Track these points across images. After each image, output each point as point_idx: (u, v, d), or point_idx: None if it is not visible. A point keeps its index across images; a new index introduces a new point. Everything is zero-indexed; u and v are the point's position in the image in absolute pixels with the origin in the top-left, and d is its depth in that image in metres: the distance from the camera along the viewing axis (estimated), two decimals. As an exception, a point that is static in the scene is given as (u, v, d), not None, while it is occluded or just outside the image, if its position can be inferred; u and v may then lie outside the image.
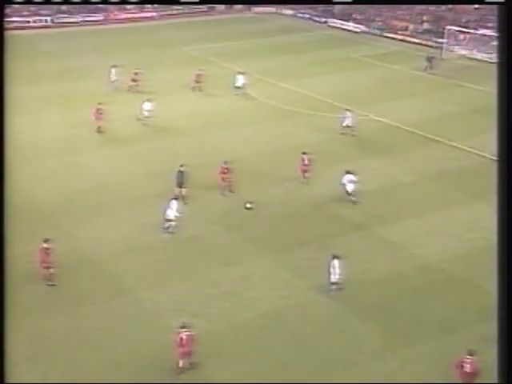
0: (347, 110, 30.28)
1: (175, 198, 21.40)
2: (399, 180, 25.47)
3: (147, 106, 31.07)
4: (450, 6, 55.52)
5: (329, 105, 34.95)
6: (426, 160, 27.46)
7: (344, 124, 29.78)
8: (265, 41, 53.06)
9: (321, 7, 64.79)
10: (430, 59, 42.76)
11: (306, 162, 24.82)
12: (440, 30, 50.78)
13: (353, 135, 29.67)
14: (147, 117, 31.01)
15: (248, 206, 22.56)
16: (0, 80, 9.64)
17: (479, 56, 45.20)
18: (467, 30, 48.07)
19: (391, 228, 21.49)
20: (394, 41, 52.68)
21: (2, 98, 9.48)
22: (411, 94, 37.09)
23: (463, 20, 52.22)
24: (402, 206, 23.24)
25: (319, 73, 41.64)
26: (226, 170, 23.58)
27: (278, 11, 67.55)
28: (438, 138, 29.74)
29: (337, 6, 63.61)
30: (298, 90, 37.60)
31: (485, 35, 46.66)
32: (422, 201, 23.68)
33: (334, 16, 61.66)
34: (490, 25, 49.80)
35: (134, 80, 37.49)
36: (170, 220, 20.98)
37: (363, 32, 56.70)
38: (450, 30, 47.58)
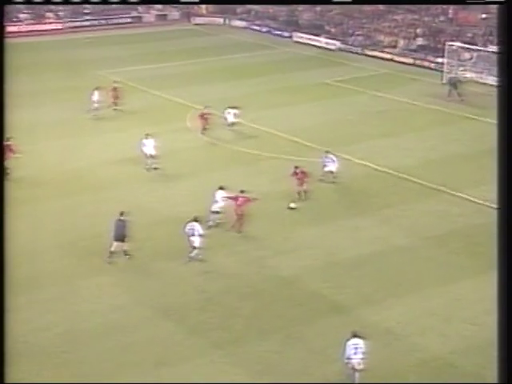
0: (327, 152, 31.03)
1: (196, 220, 24.01)
2: (391, 243, 25.98)
3: (148, 143, 32.19)
4: (450, 16, 58.19)
5: (297, 145, 35.77)
6: (426, 216, 28.15)
7: (326, 169, 30.65)
8: (210, 61, 54.33)
9: (283, 17, 66.96)
10: (454, 83, 44.15)
11: (300, 175, 28.94)
12: (439, 46, 53.09)
13: (334, 182, 30.55)
14: (154, 156, 32.00)
15: (292, 205, 27.26)
16: (0, 80, 13.01)
17: (490, 80, 47.27)
18: (474, 47, 50.43)
19: (383, 309, 21.76)
20: (379, 60, 54.65)
21: (2, 97, 12.85)
22: (404, 130, 38.32)
23: (468, 34, 54.72)
24: (396, 278, 23.62)
25: (283, 103, 42.70)
26: (242, 201, 26.03)
27: (228, 22, 69.48)
28: (440, 187, 30.69)
29: (304, 16, 65.96)
30: (255, 125, 38.35)
31: (496, 53, 49.05)
32: (422, 271, 24.12)
33: (300, 29, 63.79)
34: (502, 40, 52.47)
35: (115, 97, 38.81)
36: (195, 247, 24.04)
37: (339, 49, 58.70)
38: (451, 46, 49.78)
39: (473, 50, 50.17)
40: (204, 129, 36.57)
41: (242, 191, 26.23)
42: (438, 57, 51.69)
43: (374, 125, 39.24)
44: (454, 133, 37.93)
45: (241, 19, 69.24)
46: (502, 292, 12.52)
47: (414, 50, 55.54)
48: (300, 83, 47.63)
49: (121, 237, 23.93)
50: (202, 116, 36.80)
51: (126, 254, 24.31)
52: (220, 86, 46.69)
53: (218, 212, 26.45)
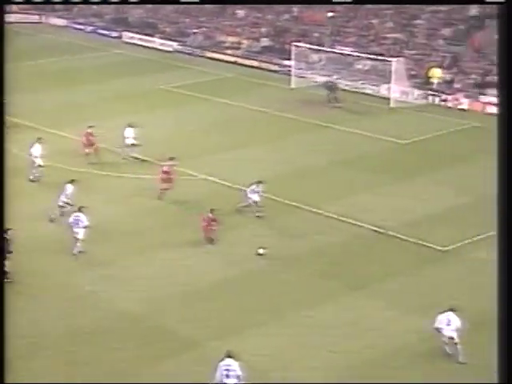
0: (259, 182, 30.27)
1: (80, 210, 26.50)
2: (245, 268, 26.39)
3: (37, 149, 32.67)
4: (295, 14, 59.92)
5: (133, 160, 35.71)
6: (281, 236, 28.87)
7: (251, 201, 29.95)
8: (23, 66, 52.82)
9: (110, 15, 66.57)
10: (331, 87, 45.78)
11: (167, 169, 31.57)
12: (285, 47, 54.71)
13: (258, 216, 29.96)
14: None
15: (261, 251, 26.67)
16: (0, 77, 15.12)
17: (342, 84, 49.34)
18: (322, 48, 52.32)
19: (239, 341, 22.00)
20: (222, 63, 55.43)
21: (2, 96, 15.09)
22: (255, 141, 39.02)
23: (315, 34, 56.76)
24: (252, 305, 24.02)
25: (114, 113, 42.28)
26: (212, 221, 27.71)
27: (44, 20, 68.13)
28: (295, 203, 31.55)
29: (134, 14, 65.80)
30: (82, 140, 37.79)
31: (345, 55, 51.14)
32: (279, 296, 24.63)
33: (130, 28, 63.54)
34: (350, 40, 54.78)
35: None
36: (78, 239, 26.46)
37: (177, 51, 59.03)
38: (298, 47, 51.52)
39: (321, 51, 52.09)
40: (87, 154, 35.05)
41: (211, 210, 27.87)
42: (284, 59, 53.16)
43: (221, 136, 39.77)
44: (309, 143, 39.13)
45: (60, 17, 68.11)
46: (502, 286, 14.30)
47: (259, 52, 56.68)
48: (133, 90, 47.50)
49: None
50: (87, 138, 35.17)
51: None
52: (36, 95, 45.55)
53: (62, 206, 28.73)
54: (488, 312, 23.08)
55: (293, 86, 49.33)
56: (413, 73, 49.13)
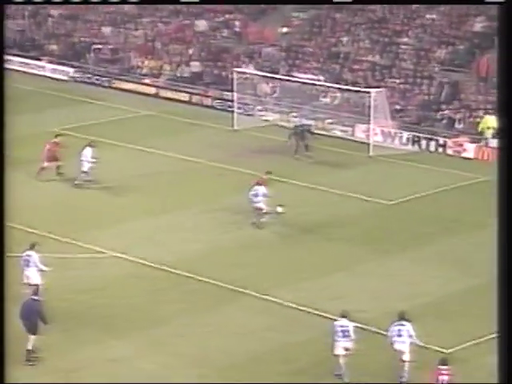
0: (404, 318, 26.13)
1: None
2: (175, 379, 26.48)
3: None
4: (237, 30, 59.61)
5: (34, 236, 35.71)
6: (220, 335, 28.68)
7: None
8: None
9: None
10: (301, 133, 45.36)
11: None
12: (223, 73, 55.02)
13: None
14: None
15: (279, 210, 36.84)
16: (0, 82, 18.99)
17: (302, 122, 49.50)
18: (275, 76, 52.79)
19: None
20: (138, 96, 55.92)
21: (2, 101, 18.73)
22: (184, 204, 38.83)
23: (265, 56, 56.91)
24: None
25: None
26: None
27: None
28: (238, 288, 31.57)
29: (14, 31, 65.38)
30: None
31: (307, 84, 51.31)
32: None
33: (8, 48, 63.02)
34: (313, 65, 54.91)
35: None
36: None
37: (74, 79, 59.35)
38: (242, 74, 51.92)
39: (274, 79, 52.47)
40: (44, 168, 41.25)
41: None
42: (224, 90, 53.55)
43: (136, 196, 39.94)
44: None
45: None
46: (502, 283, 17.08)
47: (185, 80, 56.68)
48: (13, 134, 47.02)
49: (34, 326, 25.50)
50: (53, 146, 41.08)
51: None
52: None
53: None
54: None
55: (236, 126, 49.66)
56: (398, 107, 49.51)
